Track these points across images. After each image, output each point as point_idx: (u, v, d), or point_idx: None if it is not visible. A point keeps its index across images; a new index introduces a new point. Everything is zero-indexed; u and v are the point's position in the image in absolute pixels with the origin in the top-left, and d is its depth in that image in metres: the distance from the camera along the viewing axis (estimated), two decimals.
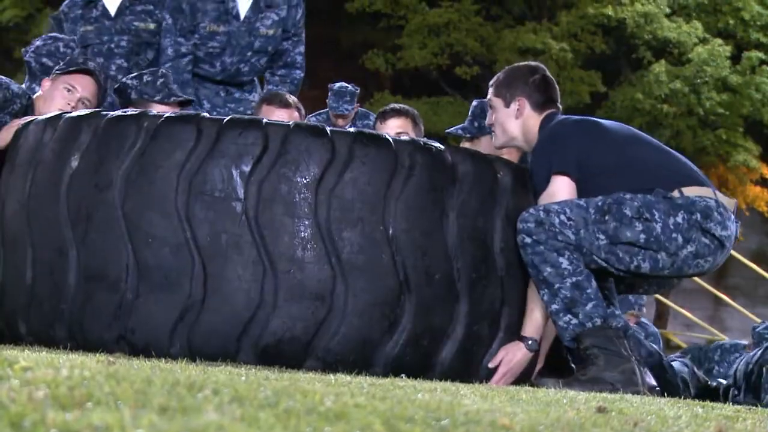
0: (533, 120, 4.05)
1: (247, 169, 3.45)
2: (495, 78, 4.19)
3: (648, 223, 3.73)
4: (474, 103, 4.83)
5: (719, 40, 17.15)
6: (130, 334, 3.49)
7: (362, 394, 2.04)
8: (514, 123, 4.07)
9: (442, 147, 3.65)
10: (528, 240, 3.69)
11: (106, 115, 3.68)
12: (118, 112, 3.70)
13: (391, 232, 3.47)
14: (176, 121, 3.56)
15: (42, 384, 1.60)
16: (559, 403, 2.58)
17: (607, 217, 3.72)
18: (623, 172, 3.83)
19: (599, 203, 3.74)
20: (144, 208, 3.49)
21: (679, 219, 3.75)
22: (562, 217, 3.70)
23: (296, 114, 4.86)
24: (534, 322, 3.77)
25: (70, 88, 4.43)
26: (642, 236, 3.72)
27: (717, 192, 3.89)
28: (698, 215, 3.77)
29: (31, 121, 3.95)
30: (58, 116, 3.82)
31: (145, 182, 3.51)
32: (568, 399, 2.73)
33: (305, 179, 3.45)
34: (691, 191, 3.82)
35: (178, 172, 3.48)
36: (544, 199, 3.82)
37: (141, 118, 3.60)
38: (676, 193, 3.80)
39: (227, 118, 3.54)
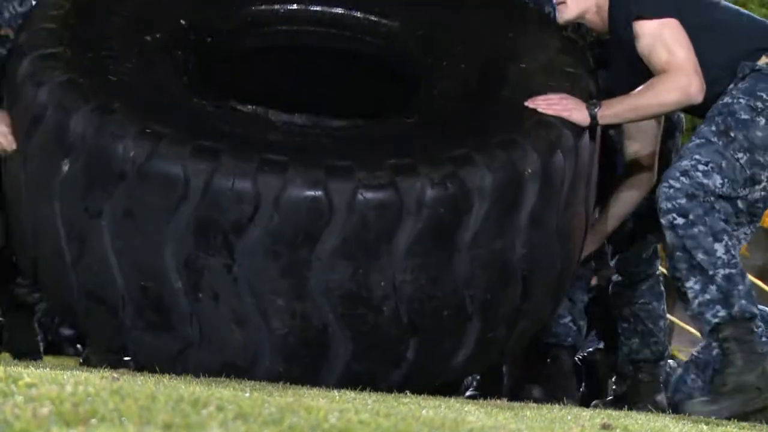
0: None
1: None
2: None
3: (766, 111, 3.40)
4: None
5: None
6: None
7: (366, 411, 2.04)
8: None
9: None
10: (680, 221, 3.32)
11: None
12: None
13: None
14: None
15: (46, 400, 1.60)
16: (563, 419, 2.58)
17: (732, 134, 3.39)
18: (715, 33, 3.47)
19: (713, 128, 3.41)
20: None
21: None
22: (701, 167, 3.35)
23: None
24: (618, 103, 3.37)
25: None
26: None
27: None
28: None
29: None
30: None
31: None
32: (573, 415, 2.72)
33: None
34: None
35: None
36: (665, 51, 3.36)
37: None
38: (762, 61, 3.45)
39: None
